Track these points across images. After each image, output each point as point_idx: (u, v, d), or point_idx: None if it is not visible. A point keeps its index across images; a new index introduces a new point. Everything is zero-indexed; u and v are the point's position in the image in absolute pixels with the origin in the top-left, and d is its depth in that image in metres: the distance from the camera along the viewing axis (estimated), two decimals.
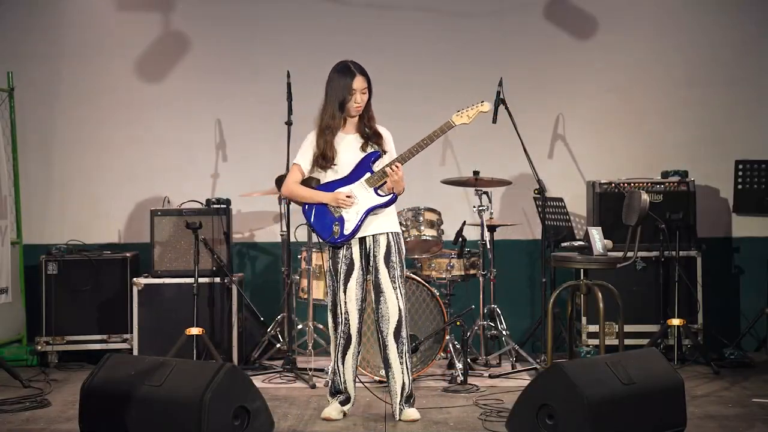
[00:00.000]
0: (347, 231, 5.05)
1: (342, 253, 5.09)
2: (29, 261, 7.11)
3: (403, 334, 5.09)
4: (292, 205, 6.38)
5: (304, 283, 6.48)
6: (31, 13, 7.38)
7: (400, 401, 5.11)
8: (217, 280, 6.67)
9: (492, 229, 6.62)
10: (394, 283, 5.07)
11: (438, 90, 7.24)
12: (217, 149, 7.44)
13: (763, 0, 7.36)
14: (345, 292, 5.09)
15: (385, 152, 5.14)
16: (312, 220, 5.13)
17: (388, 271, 5.07)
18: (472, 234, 6.57)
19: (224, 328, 6.65)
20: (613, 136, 7.41)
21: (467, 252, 6.48)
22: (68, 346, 6.81)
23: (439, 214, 6.35)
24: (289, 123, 6.30)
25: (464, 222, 6.51)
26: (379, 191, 5.08)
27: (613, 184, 6.85)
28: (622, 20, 7.41)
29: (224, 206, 6.79)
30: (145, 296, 6.64)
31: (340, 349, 5.14)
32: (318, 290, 6.47)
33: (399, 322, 5.07)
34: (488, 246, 6.60)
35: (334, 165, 5.08)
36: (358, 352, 5.19)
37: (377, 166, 5.09)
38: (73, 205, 7.42)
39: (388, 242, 5.09)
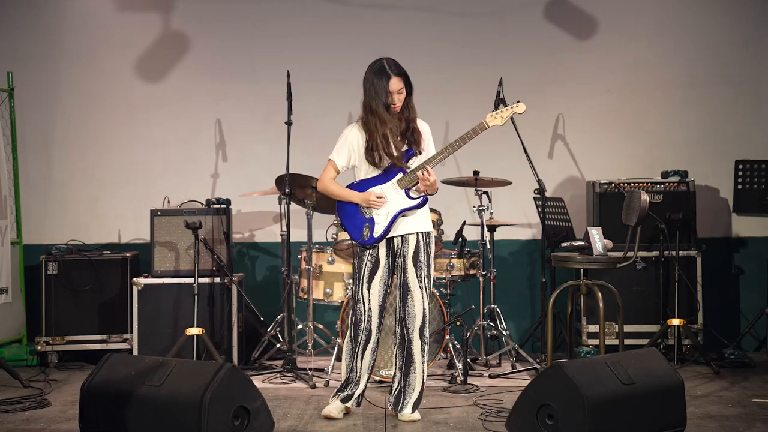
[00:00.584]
0: (376, 234, 5.05)
1: (369, 251, 5.10)
2: (29, 261, 7.11)
3: (426, 333, 5.11)
4: (292, 205, 6.39)
5: (304, 283, 6.48)
6: (31, 13, 7.38)
7: (416, 400, 5.10)
8: (217, 280, 6.67)
9: (492, 229, 6.63)
10: (421, 282, 5.08)
11: (438, 90, 7.24)
12: (217, 149, 7.44)
13: (763, 0, 7.36)
14: (369, 289, 5.09)
15: (420, 152, 5.14)
16: (344, 219, 5.15)
17: (416, 271, 5.08)
18: (472, 234, 6.57)
19: (224, 328, 6.65)
20: (613, 136, 7.41)
21: (467, 252, 6.48)
22: (68, 346, 6.81)
23: (439, 214, 6.34)
24: (289, 123, 6.30)
25: (464, 222, 6.51)
26: (410, 193, 5.08)
27: (613, 184, 6.85)
28: (622, 20, 7.41)
29: (224, 206, 6.79)
30: (145, 296, 6.64)
31: (360, 344, 5.12)
32: (318, 290, 6.47)
33: (424, 320, 5.10)
34: (488, 246, 6.61)
35: (396, 162, 5.05)
36: (377, 349, 5.20)
37: (412, 166, 5.09)
38: (73, 205, 7.43)
39: (418, 241, 5.10)
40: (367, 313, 5.10)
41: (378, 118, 5.03)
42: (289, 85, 6.37)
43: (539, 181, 6.46)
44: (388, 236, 5.07)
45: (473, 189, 6.55)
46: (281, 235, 6.67)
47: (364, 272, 5.09)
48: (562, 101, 7.39)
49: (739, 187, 6.77)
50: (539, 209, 6.63)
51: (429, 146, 5.19)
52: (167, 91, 7.42)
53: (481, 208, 6.47)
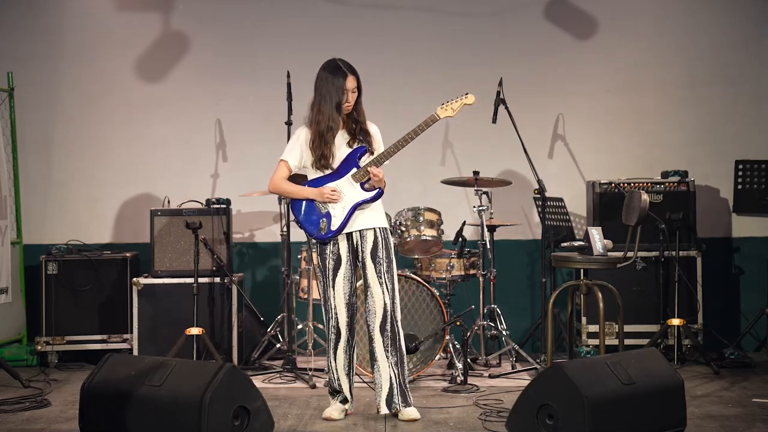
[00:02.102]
0: (334, 227, 5.08)
1: (329, 248, 5.13)
2: (29, 261, 7.11)
3: (388, 328, 5.09)
4: None
5: (304, 283, 6.48)
6: (31, 13, 7.38)
7: (387, 396, 5.10)
8: (217, 280, 6.67)
9: (492, 229, 6.62)
10: (380, 278, 5.09)
11: (438, 90, 7.21)
12: (217, 149, 7.44)
13: (763, 0, 7.36)
14: (333, 287, 5.12)
15: (372, 151, 5.17)
16: (300, 216, 5.17)
17: (375, 267, 5.10)
18: (472, 234, 6.58)
19: (224, 328, 6.65)
20: (613, 136, 7.41)
21: (467, 252, 6.48)
22: (68, 346, 6.81)
23: (439, 214, 6.35)
24: (289, 123, 6.30)
25: (464, 222, 6.51)
26: (365, 186, 5.11)
27: (613, 184, 6.85)
28: (622, 20, 7.41)
29: (224, 206, 6.79)
30: (145, 296, 6.64)
31: (331, 344, 5.17)
32: (318, 290, 6.47)
33: (384, 316, 5.09)
34: (488, 246, 6.60)
35: (332, 166, 5.11)
36: (352, 348, 5.19)
37: (363, 162, 5.12)
38: (73, 205, 7.42)
39: (375, 237, 5.12)
40: (333, 311, 5.12)
41: (323, 116, 5.06)
42: (289, 85, 6.37)
43: (539, 181, 6.46)
44: (346, 231, 5.10)
45: (473, 189, 6.54)
46: (281, 235, 6.67)
47: (327, 271, 5.13)
48: (562, 101, 7.39)
49: (739, 187, 6.77)
50: (539, 209, 6.63)
51: (379, 147, 5.23)
52: (167, 91, 7.42)
53: (481, 208, 6.46)
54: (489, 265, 6.61)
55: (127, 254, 6.92)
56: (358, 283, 5.23)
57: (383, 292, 5.09)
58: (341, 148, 5.14)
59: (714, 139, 7.36)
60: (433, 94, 7.10)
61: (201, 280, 6.53)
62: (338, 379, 5.20)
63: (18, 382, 5.99)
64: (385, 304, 5.09)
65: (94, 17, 7.43)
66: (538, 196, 6.55)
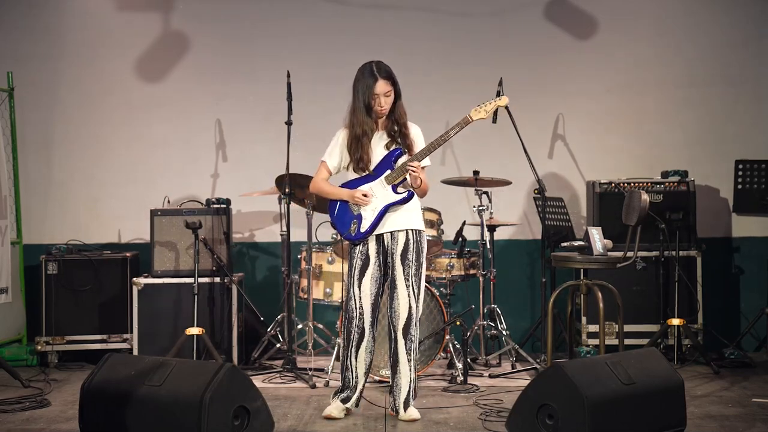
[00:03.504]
0: (363, 228, 5.09)
1: (359, 248, 5.13)
2: (29, 261, 7.11)
3: (412, 331, 5.11)
4: (292, 205, 6.39)
5: (304, 283, 6.48)
6: (31, 13, 7.38)
7: (405, 399, 5.11)
8: (217, 280, 6.67)
9: (492, 229, 6.63)
10: (408, 280, 5.09)
11: (438, 90, 7.24)
12: (217, 149, 7.44)
13: (763, 0, 7.36)
14: (360, 287, 5.11)
15: (407, 151, 5.15)
16: (334, 215, 5.21)
17: (403, 269, 5.10)
18: (472, 234, 6.57)
19: (224, 328, 6.65)
20: (613, 136, 7.41)
21: (467, 252, 6.48)
22: (68, 346, 6.81)
23: (439, 214, 6.35)
24: (289, 123, 6.30)
25: (464, 222, 6.51)
26: (397, 189, 5.10)
27: (613, 184, 6.85)
28: (622, 20, 7.41)
29: (224, 206, 6.79)
30: (145, 296, 6.64)
31: (353, 343, 5.14)
32: (318, 290, 6.48)
33: (409, 319, 5.09)
34: (488, 246, 6.61)
35: (369, 168, 5.13)
36: (373, 348, 5.20)
37: (399, 164, 5.11)
38: (73, 205, 7.43)
39: (407, 239, 5.12)
40: (358, 311, 5.12)
41: (356, 119, 5.10)
42: (289, 85, 6.37)
43: (539, 181, 6.46)
44: (377, 233, 5.10)
45: (473, 189, 6.55)
46: (281, 235, 6.67)
47: (354, 270, 5.13)
48: (562, 101, 7.40)
49: (739, 187, 6.77)
50: (539, 209, 6.63)
51: (419, 147, 5.21)
52: (167, 91, 7.42)
53: (481, 208, 6.47)
54: (489, 265, 6.61)
55: (127, 254, 6.92)
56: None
57: (409, 294, 5.10)
58: (378, 149, 5.14)
59: (714, 139, 7.36)
60: (433, 94, 7.14)
61: (201, 280, 6.52)
62: (356, 377, 5.18)
63: (18, 382, 5.98)
64: (410, 307, 5.10)
65: (94, 17, 7.43)
66: (538, 196, 6.55)
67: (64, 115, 7.42)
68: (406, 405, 5.12)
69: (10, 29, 7.37)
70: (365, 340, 5.14)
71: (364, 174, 5.15)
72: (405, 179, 5.09)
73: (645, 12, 7.41)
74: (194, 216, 6.63)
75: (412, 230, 5.14)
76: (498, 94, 6.55)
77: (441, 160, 7.34)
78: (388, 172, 5.11)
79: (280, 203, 6.66)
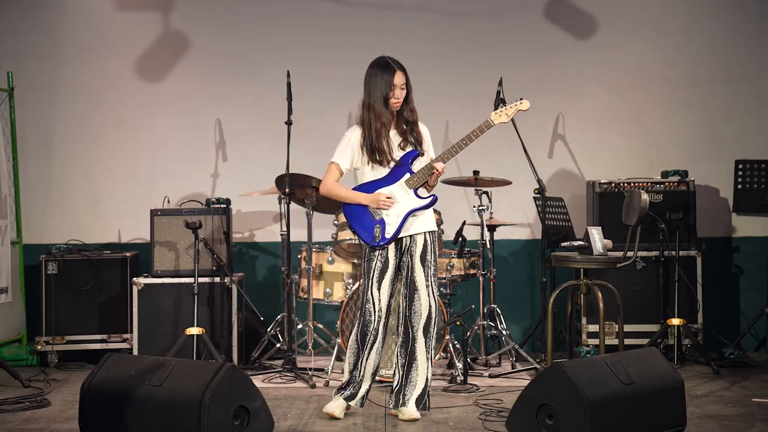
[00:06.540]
0: (388, 234, 5.05)
1: (378, 251, 5.09)
2: (29, 261, 7.11)
3: (431, 330, 5.12)
4: (292, 205, 6.39)
5: (304, 282, 6.48)
6: (31, 13, 7.38)
7: (419, 395, 5.10)
8: (217, 280, 6.67)
9: (492, 229, 6.63)
10: (428, 281, 5.11)
11: (438, 90, 7.23)
12: (217, 149, 7.44)
13: (763, 0, 7.36)
14: (379, 289, 5.09)
15: (423, 153, 5.15)
16: (354, 221, 5.12)
17: (423, 270, 5.10)
18: (472, 234, 6.57)
19: (224, 328, 6.65)
20: (613, 136, 7.41)
21: (467, 252, 6.48)
22: (68, 346, 6.81)
23: (439, 214, 6.34)
24: (289, 123, 6.29)
25: (464, 222, 6.51)
26: (419, 192, 5.08)
27: (613, 184, 6.85)
28: (622, 20, 7.41)
29: (224, 206, 6.79)
30: (145, 296, 6.64)
31: (368, 345, 5.11)
32: (318, 290, 6.48)
33: (429, 318, 5.11)
34: (488, 246, 6.61)
35: (392, 158, 5.06)
36: (381, 349, 5.19)
37: (416, 167, 5.09)
38: (73, 205, 7.42)
39: (425, 241, 5.12)
40: (377, 313, 5.09)
41: (374, 112, 5.04)
42: (289, 85, 6.37)
43: (539, 181, 6.46)
44: (398, 237, 5.08)
45: (473, 189, 6.55)
46: (281, 234, 6.67)
47: (373, 273, 5.09)
48: (562, 101, 7.39)
49: (739, 187, 6.77)
50: (539, 209, 6.64)
51: (429, 148, 5.21)
52: (167, 91, 7.42)
53: (481, 207, 6.47)
54: (489, 265, 6.61)
55: (127, 254, 6.92)
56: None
57: (429, 294, 5.11)
58: (394, 149, 5.10)
59: (714, 139, 7.36)
60: (434, 94, 7.13)
61: (201, 280, 6.52)
62: (362, 377, 5.17)
63: (18, 381, 5.98)
64: (430, 307, 5.11)
65: (94, 17, 7.43)
66: (538, 196, 6.55)
67: (64, 114, 7.42)
68: (419, 402, 5.09)
69: (10, 29, 7.37)
70: (377, 342, 5.13)
71: (383, 169, 5.07)
72: (425, 183, 5.06)
73: (645, 12, 7.41)
74: (194, 216, 6.63)
75: (429, 232, 5.15)
76: (498, 94, 6.55)
77: None
78: (408, 175, 5.07)
79: (280, 203, 6.66)
